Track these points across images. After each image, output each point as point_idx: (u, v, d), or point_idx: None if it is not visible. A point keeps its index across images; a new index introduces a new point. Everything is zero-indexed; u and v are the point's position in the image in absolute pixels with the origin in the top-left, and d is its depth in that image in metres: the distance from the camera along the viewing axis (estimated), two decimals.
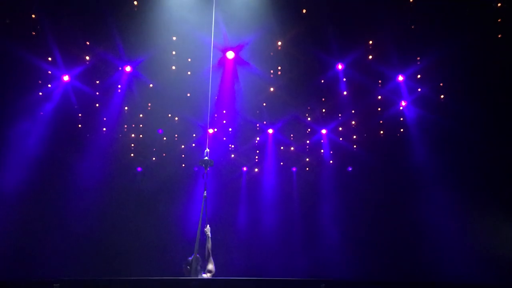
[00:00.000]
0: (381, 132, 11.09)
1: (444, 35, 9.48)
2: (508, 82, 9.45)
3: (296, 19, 9.62)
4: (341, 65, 10.45)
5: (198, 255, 6.52)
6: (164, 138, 11.07)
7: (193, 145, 11.14)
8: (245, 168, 11.82)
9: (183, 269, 6.69)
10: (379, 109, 10.91)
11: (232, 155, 11.45)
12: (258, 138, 11.45)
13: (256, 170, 11.77)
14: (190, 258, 6.54)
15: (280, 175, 11.77)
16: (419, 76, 10.31)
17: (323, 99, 10.96)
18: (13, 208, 9.49)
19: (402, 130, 10.89)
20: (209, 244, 6.75)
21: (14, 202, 9.52)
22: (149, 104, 10.58)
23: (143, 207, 10.89)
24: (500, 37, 9.29)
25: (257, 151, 11.63)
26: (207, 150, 6.61)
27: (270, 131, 11.40)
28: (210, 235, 6.72)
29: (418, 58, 10.15)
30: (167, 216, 10.90)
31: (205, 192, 6.48)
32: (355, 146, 11.36)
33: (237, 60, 10.12)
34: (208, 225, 6.69)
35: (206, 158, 6.54)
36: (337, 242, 10.92)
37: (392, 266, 9.98)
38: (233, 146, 11.41)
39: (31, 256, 9.52)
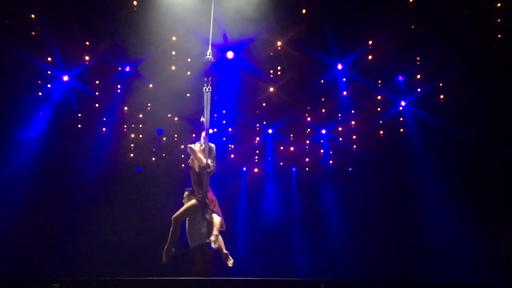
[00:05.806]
0: (381, 132, 11.08)
1: (444, 35, 9.48)
2: (508, 83, 9.44)
3: (296, 20, 9.64)
4: (340, 65, 10.48)
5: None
6: (164, 139, 11.08)
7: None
8: (245, 168, 11.82)
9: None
10: (378, 109, 10.90)
11: (232, 156, 11.43)
12: (257, 138, 11.45)
13: (256, 170, 11.76)
14: None
15: (279, 175, 11.76)
16: (418, 76, 10.32)
17: (322, 99, 10.96)
18: (12, 209, 9.48)
19: (402, 130, 10.88)
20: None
21: (13, 202, 9.51)
22: (149, 104, 10.58)
23: (143, 207, 10.89)
24: (499, 37, 9.30)
25: (257, 151, 11.62)
26: (210, 51, 6.83)
27: (270, 131, 11.42)
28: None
29: (418, 58, 10.16)
30: (167, 216, 10.86)
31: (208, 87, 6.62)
32: (354, 147, 11.34)
33: (237, 60, 10.13)
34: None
35: (208, 56, 6.79)
36: (337, 243, 10.90)
37: (394, 267, 9.94)
38: (232, 146, 11.40)
39: (31, 255, 9.50)
